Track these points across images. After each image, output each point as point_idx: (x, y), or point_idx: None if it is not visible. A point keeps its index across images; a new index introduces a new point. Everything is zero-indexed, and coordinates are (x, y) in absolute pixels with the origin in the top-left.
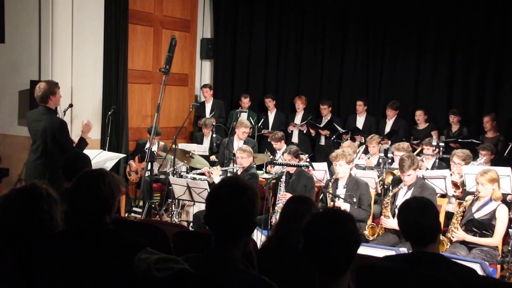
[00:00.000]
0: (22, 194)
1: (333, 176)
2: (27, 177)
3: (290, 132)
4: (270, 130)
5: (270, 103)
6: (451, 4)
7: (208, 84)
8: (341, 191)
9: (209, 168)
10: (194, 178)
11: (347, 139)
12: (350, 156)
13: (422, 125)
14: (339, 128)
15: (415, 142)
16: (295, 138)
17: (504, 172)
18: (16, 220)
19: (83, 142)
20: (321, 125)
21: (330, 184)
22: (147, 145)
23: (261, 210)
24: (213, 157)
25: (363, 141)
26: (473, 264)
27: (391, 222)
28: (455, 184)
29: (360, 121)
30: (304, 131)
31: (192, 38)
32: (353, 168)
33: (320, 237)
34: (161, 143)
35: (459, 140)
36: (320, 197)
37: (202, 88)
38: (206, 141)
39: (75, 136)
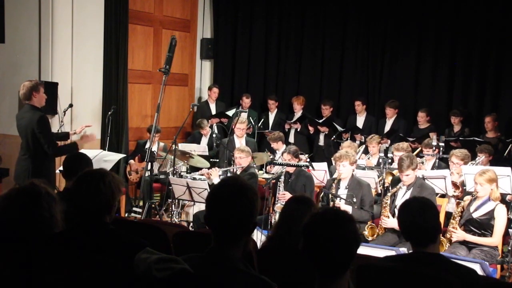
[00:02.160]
0: (22, 193)
1: (335, 177)
2: (15, 174)
3: (287, 131)
4: (269, 130)
5: (273, 105)
6: (451, 4)
7: (217, 85)
8: (342, 191)
9: (208, 169)
10: (194, 178)
11: (347, 139)
12: (353, 157)
13: (423, 125)
14: (339, 127)
15: (410, 139)
16: (291, 138)
17: (504, 172)
18: (17, 219)
19: (73, 147)
20: (320, 121)
21: (334, 185)
22: (148, 145)
23: (261, 210)
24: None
25: (363, 140)
26: (473, 264)
27: (391, 222)
28: (454, 184)
29: (360, 121)
30: (298, 129)
31: (192, 38)
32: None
33: (320, 237)
34: (161, 144)
35: (461, 138)
36: (321, 195)
37: (213, 88)
38: (204, 140)
39: (74, 137)
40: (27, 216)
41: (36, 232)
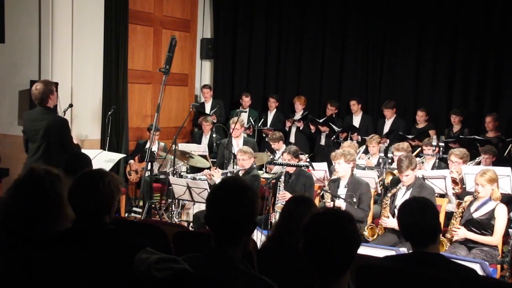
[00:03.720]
0: (23, 181)
1: (332, 176)
2: None
3: (287, 129)
4: (268, 127)
5: (273, 103)
6: (451, 4)
7: (208, 85)
8: (342, 190)
9: (210, 170)
10: (194, 178)
11: (345, 138)
12: (350, 155)
13: (421, 125)
14: (335, 127)
15: (410, 136)
16: (292, 138)
17: (504, 172)
18: (25, 208)
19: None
20: (321, 121)
21: (327, 182)
22: (148, 144)
23: (261, 210)
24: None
25: (359, 139)
26: (473, 264)
27: (391, 222)
28: (454, 181)
29: (356, 121)
30: (301, 128)
31: (192, 38)
32: (353, 168)
33: (320, 237)
34: (161, 144)
35: (461, 136)
36: (321, 194)
37: (203, 89)
38: (205, 139)
39: (74, 136)
40: (34, 201)
41: (47, 216)
